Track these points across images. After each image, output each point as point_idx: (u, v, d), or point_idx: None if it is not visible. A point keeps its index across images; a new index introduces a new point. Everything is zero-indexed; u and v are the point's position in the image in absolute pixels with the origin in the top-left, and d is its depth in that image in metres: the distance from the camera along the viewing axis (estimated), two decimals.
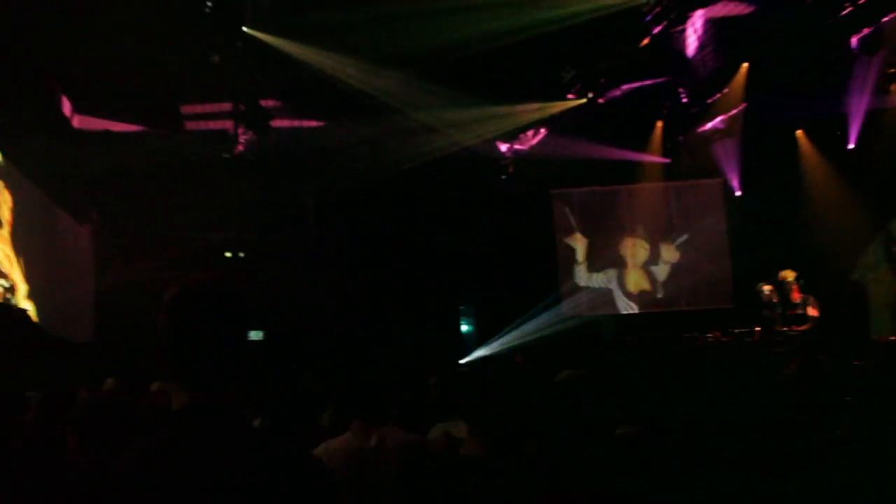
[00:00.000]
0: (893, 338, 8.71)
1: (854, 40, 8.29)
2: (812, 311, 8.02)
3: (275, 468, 1.21)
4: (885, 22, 7.93)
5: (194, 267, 9.09)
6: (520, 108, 9.90)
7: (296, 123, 10.40)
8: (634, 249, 12.26)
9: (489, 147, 11.20)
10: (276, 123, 9.67)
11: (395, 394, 2.64)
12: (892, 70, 8.98)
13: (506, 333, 11.55)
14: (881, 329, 9.73)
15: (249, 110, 9.27)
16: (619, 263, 12.31)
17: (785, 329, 7.74)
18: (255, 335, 10.71)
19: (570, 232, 12.49)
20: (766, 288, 8.43)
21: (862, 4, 7.83)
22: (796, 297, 8.15)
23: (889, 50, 8.33)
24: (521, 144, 11.23)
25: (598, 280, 12.35)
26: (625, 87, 9.50)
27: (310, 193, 10.96)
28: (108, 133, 9.85)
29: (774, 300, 8.29)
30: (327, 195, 10.75)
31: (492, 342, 11.60)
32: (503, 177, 11.66)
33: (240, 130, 9.65)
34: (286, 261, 10.37)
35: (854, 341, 8.76)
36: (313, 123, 10.56)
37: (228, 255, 10.85)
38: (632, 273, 12.33)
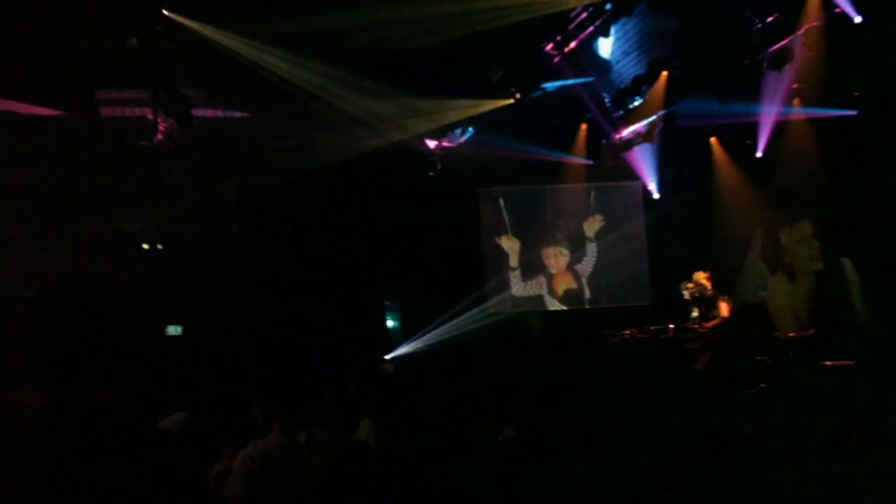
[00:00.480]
0: (793, 334, 9.30)
1: (765, 55, 8.78)
2: (723, 310, 8.46)
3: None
4: (792, 40, 8.43)
5: (107, 258, 8.70)
6: (449, 105, 9.96)
7: (219, 113, 10.09)
8: (556, 259, 12.61)
9: (418, 143, 11.22)
10: (198, 112, 9.35)
11: (320, 390, 2.62)
12: (797, 85, 9.58)
13: (432, 329, 11.63)
14: (783, 327, 10.46)
15: (170, 98, 8.91)
16: (546, 272, 12.64)
17: (696, 326, 8.13)
18: (173, 330, 10.35)
19: (499, 230, 12.71)
20: (689, 287, 8.80)
21: (770, 23, 8.31)
22: (709, 295, 8.57)
23: (795, 66, 8.87)
24: (449, 142, 11.31)
25: (532, 287, 12.64)
26: (551, 89, 9.70)
27: (232, 185, 10.67)
28: (13, 115, 9.27)
29: (691, 299, 8.69)
30: (251, 187, 10.49)
31: (417, 338, 11.66)
32: (431, 173, 11.70)
33: (159, 118, 9.27)
34: (207, 254, 10.07)
35: (760, 338, 9.33)
36: (237, 114, 10.27)
37: (146, 246, 10.43)
38: (559, 277, 12.67)
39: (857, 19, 7.67)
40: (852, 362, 7.42)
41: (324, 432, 2.54)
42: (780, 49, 8.54)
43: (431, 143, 11.41)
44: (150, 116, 9.42)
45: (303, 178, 10.14)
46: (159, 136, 9.34)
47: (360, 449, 2.90)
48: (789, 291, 10.86)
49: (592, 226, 12.49)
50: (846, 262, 10.21)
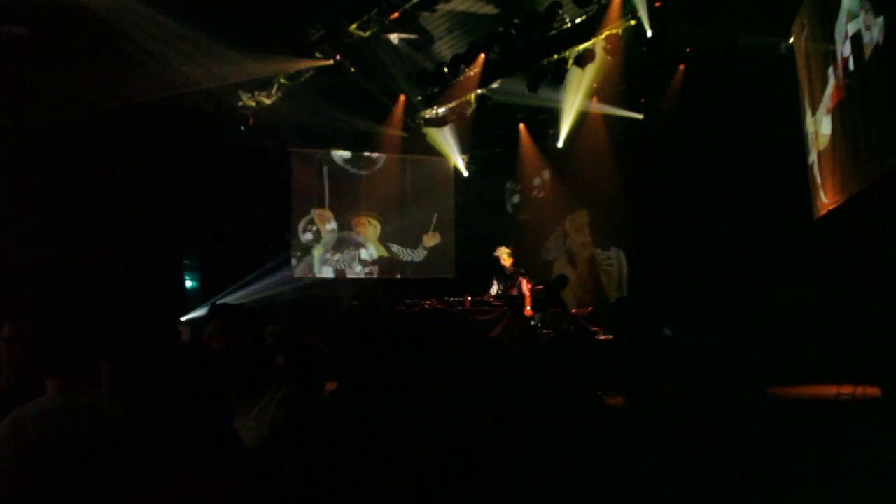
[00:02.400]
0: (574, 311, 10.28)
1: (569, 52, 9.47)
2: (521, 286, 9.05)
3: None
4: (595, 41, 9.18)
5: None
6: (265, 59, 9.48)
7: None
8: (366, 228, 12.71)
9: (229, 95, 10.57)
10: None
11: (102, 351, 2.40)
12: (596, 84, 10.47)
13: (234, 291, 11.16)
14: (567, 304, 11.56)
15: None
16: (355, 240, 12.66)
17: (491, 299, 8.66)
18: None
19: (311, 193, 12.47)
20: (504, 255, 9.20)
21: (579, 23, 8.99)
22: (510, 271, 9.13)
23: (596, 66, 9.68)
24: (263, 97, 10.79)
25: (340, 255, 12.58)
26: (371, 55, 9.63)
27: (4, 127, 9.20)
28: None
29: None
30: (29, 126, 9.13)
31: (218, 299, 11.11)
32: (242, 128, 11.12)
33: None
34: None
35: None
36: (12, 36, 8.88)
37: None
38: (367, 246, 12.77)
39: (650, 33, 8.54)
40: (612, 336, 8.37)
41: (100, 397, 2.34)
42: (585, 49, 9.25)
43: (244, 97, 10.81)
44: None
45: (92, 118, 9.05)
46: None
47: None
48: (572, 273, 12.10)
49: (404, 200, 12.79)
50: (618, 251, 11.54)
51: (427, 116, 11.59)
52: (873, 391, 4.51)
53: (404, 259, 12.90)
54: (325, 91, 10.28)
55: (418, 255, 12.93)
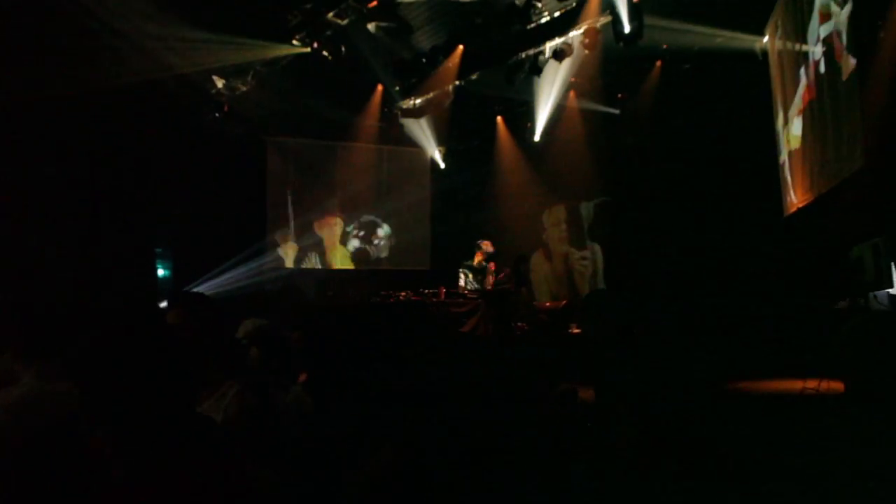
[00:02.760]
0: (549, 304, 10.36)
1: (546, 46, 9.49)
2: (492, 279, 9.07)
3: None
4: (572, 36, 9.21)
5: None
6: (241, 43, 9.34)
7: None
8: (341, 219, 12.67)
9: (203, 81, 10.40)
10: None
11: (72, 337, 2.34)
12: (574, 79, 10.51)
13: (206, 281, 11.04)
14: (542, 297, 11.69)
15: None
16: (331, 230, 12.59)
17: (466, 292, 8.67)
18: None
19: (284, 183, 12.37)
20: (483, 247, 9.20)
21: (558, 17, 9.01)
22: (482, 263, 9.13)
23: (575, 61, 9.72)
24: (239, 84, 10.64)
25: (314, 245, 12.51)
26: (349, 44, 9.54)
27: None
28: None
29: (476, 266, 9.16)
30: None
31: (190, 288, 10.97)
32: (217, 114, 10.95)
33: None
34: None
35: (528, 306, 10.25)
36: None
37: None
38: (342, 237, 12.72)
39: (628, 29, 8.57)
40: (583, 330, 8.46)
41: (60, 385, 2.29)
42: (563, 43, 9.28)
43: (219, 83, 10.65)
44: None
45: (64, 101, 8.85)
46: None
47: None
48: (547, 267, 12.20)
49: (381, 192, 12.75)
50: (595, 246, 11.64)
51: (404, 107, 11.54)
52: (837, 385, 4.61)
53: (372, 253, 12.86)
54: (301, 79, 10.17)
55: (383, 248, 12.87)
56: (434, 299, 8.32)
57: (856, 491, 2.74)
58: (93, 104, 9.14)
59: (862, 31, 5.41)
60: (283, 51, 9.69)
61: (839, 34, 5.68)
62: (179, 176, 10.50)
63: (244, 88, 10.62)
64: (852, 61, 5.41)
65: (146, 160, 10.14)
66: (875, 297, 4.94)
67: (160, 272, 11.68)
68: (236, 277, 11.28)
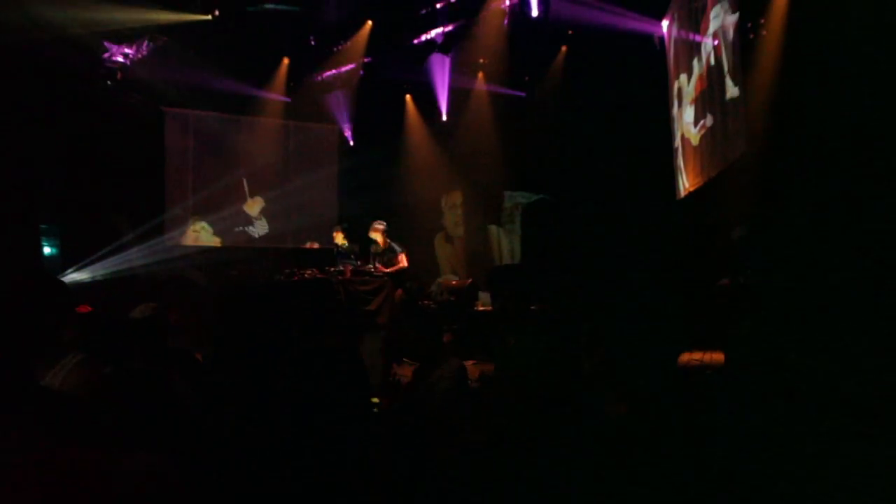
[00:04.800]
0: (455, 283, 10.49)
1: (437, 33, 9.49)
2: (401, 260, 9.03)
3: None
4: (482, 17, 9.27)
5: None
6: (135, 8, 8.81)
7: None
8: (243, 193, 12.27)
9: (95, 45, 9.75)
10: None
11: None
12: (482, 60, 10.61)
13: (98, 260, 10.43)
14: (445, 277, 11.82)
15: None
16: (232, 206, 12.14)
17: (373, 270, 8.63)
18: None
19: (184, 156, 11.83)
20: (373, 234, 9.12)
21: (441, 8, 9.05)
22: (385, 243, 9.07)
23: (482, 42, 9.80)
24: (134, 51, 10.05)
25: (214, 220, 12.03)
26: (253, 10, 9.19)
27: None
28: None
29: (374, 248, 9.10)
30: None
31: (81, 268, 10.35)
32: (109, 82, 10.31)
33: None
34: None
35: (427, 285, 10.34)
36: None
37: None
38: (245, 212, 12.34)
39: (535, 12, 8.71)
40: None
41: None
42: (465, 23, 9.31)
43: (113, 49, 10.02)
44: None
45: None
46: None
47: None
48: (448, 248, 12.44)
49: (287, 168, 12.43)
50: (493, 228, 11.90)
51: (312, 81, 11.28)
52: (718, 357, 4.93)
53: (278, 227, 12.52)
54: (203, 49, 9.73)
55: (261, 227, 12.53)
56: (340, 277, 8.24)
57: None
58: None
59: (745, 25, 5.75)
60: (183, 17, 9.24)
61: (726, 29, 6.01)
62: (68, 147, 9.84)
63: (139, 56, 10.05)
64: (735, 56, 5.76)
65: (29, 129, 9.42)
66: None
67: (46, 249, 10.94)
68: (131, 256, 10.72)
